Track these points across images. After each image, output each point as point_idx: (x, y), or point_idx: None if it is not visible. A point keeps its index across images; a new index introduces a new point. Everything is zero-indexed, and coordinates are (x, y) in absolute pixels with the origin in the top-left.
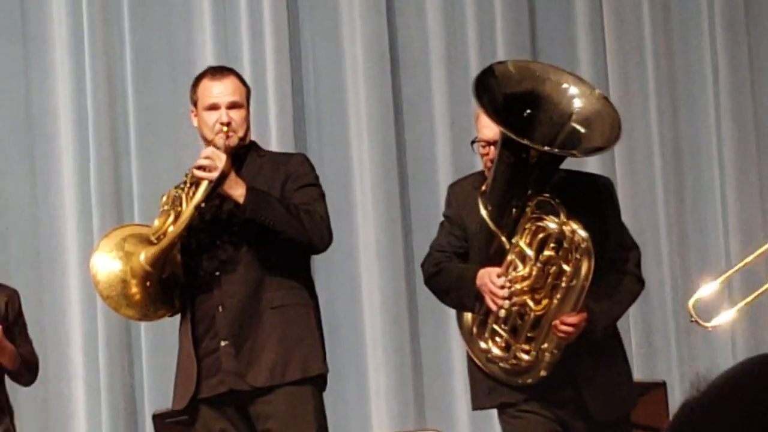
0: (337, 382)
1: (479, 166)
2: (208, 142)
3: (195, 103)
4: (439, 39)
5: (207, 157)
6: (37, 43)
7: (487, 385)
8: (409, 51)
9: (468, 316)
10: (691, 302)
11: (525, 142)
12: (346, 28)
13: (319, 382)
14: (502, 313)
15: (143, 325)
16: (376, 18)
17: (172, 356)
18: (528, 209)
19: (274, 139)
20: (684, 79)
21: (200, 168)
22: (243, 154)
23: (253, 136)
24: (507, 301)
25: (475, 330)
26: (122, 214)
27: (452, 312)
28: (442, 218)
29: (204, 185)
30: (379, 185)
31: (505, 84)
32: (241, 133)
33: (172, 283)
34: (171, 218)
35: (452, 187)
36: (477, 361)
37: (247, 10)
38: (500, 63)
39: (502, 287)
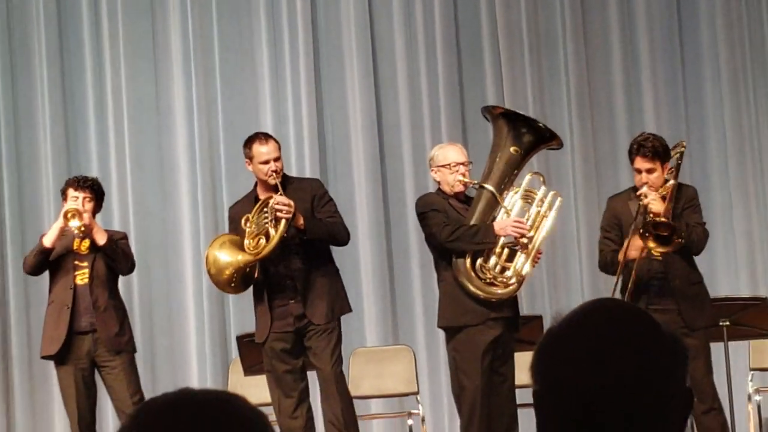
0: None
1: (429, 187)
2: (262, 181)
3: (251, 158)
4: (407, 108)
5: (285, 203)
6: (165, 114)
7: (460, 310)
8: (388, 115)
9: (465, 261)
10: None
11: (541, 125)
12: (351, 105)
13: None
14: (525, 240)
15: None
16: (368, 95)
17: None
18: (521, 181)
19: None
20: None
21: (281, 210)
22: (283, 183)
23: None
24: (529, 232)
25: (471, 267)
26: (217, 223)
27: (413, 276)
28: (426, 211)
29: (284, 222)
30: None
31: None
32: (281, 175)
33: (251, 277)
34: (263, 240)
35: (426, 197)
36: (473, 289)
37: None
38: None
39: (525, 224)
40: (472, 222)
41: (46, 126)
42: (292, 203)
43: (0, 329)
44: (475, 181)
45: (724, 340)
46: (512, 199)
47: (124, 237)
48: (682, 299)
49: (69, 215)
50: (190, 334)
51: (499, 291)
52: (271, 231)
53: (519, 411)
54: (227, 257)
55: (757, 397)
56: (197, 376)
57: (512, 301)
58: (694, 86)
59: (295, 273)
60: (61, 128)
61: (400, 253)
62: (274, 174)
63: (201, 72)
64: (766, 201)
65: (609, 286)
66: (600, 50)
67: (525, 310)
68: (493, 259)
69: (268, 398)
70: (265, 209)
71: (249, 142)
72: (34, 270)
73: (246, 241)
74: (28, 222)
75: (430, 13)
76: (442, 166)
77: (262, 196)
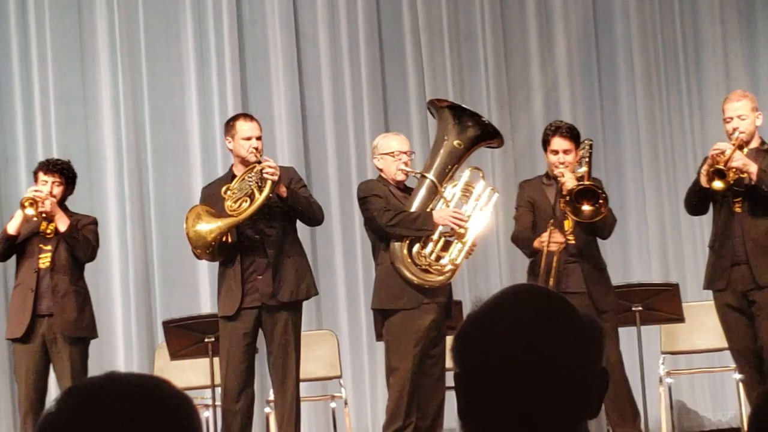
0: None
1: (352, 175)
2: (241, 158)
3: (233, 135)
4: (330, 99)
5: (273, 167)
6: (92, 105)
7: (395, 294)
8: (312, 106)
9: (403, 247)
10: None
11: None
12: (275, 98)
13: (299, 304)
14: (463, 231)
15: (157, 264)
16: (292, 87)
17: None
18: (462, 174)
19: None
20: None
21: (269, 172)
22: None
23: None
24: (468, 224)
25: (408, 254)
26: (143, 211)
27: (336, 262)
28: (366, 196)
29: (270, 183)
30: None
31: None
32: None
33: (229, 243)
34: (247, 203)
35: (367, 183)
36: (409, 274)
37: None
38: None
39: (464, 216)
40: (412, 209)
41: None
42: (277, 167)
43: None
44: (417, 171)
45: (637, 325)
46: (452, 191)
47: (93, 222)
48: (591, 283)
49: (26, 203)
50: (116, 319)
51: (433, 278)
52: (256, 193)
53: (447, 393)
54: (207, 225)
55: (668, 380)
56: (123, 361)
57: (447, 287)
58: (609, 80)
59: (267, 251)
60: None
61: (324, 240)
62: (254, 151)
63: (127, 63)
64: (677, 191)
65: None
66: (518, 45)
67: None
68: (429, 247)
69: (193, 383)
70: (250, 174)
71: (232, 120)
72: (0, 257)
73: (227, 203)
74: None
75: (353, 7)
76: (386, 153)
77: (236, 171)
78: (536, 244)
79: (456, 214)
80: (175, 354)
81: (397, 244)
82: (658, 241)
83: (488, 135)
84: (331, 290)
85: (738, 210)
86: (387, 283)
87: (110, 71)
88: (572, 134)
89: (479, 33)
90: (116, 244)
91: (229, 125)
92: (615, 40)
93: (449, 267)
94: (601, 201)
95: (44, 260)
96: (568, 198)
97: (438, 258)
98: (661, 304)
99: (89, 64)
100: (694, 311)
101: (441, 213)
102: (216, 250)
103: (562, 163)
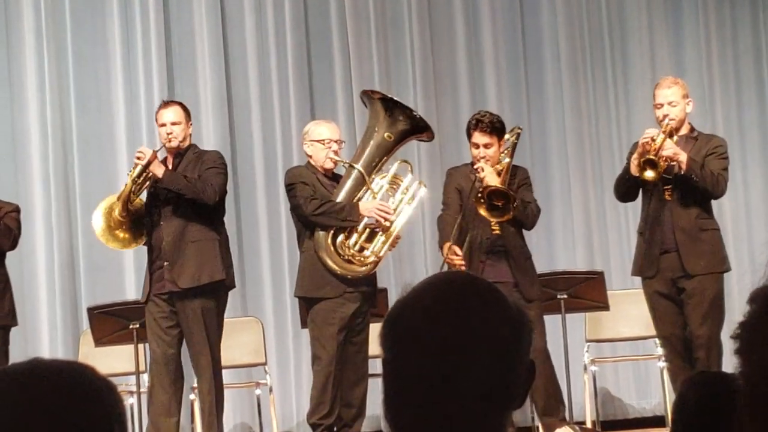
0: None
1: (278, 162)
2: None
3: (156, 122)
4: (256, 86)
5: (140, 151)
6: (17, 88)
7: (318, 283)
8: (238, 92)
9: (327, 237)
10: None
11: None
12: (201, 83)
13: (220, 284)
14: (388, 224)
15: (82, 250)
16: (218, 72)
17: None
18: (390, 167)
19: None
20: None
21: (136, 156)
22: (184, 151)
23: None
24: (393, 217)
25: (332, 243)
26: (68, 195)
27: (262, 249)
28: (293, 184)
29: (138, 167)
30: None
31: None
32: (180, 139)
33: (137, 228)
34: (124, 187)
35: (294, 170)
36: (332, 264)
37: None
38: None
39: (391, 210)
40: (338, 199)
41: None
42: (150, 152)
43: None
44: (346, 161)
45: (562, 313)
46: (379, 183)
47: (15, 210)
48: (517, 272)
49: None
50: (41, 305)
51: (356, 269)
52: (128, 177)
53: (370, 380)
54: (103, 219)
55: (593, 368)
56: (48, 347)
57: (371, 276)
58: (535, 69)
59: (166, 235)
60: None
61: (249, 226)
62: (168, 137)
63: (53, 47)
64: (602, 180)
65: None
66: (444, 33)
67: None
68: (354, 238)
69: (118, 369)
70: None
71: (158, 107)
72: None
73: (114, 200)
74: None
75: None
76: (316, 140)
77: (168, 160)
78: (444, 251)
79: (381, 206)
80: (100, 341)
81: (321, 233)
82: (583, 229)
83: (418, 129)
84: (256, 277)
85: (668, 198)
86: (310, 272)
87: (36, 55)
88: (493, 128)
89: (406, 20)
90: (41, 229)
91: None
92: (541, 28)
93: (372, 258)
94: (511, 204)
95: None
96: (479, 196)
97: (362, 249)
98: (585, 291)
99: (15, 47)
100: (618, 299)
101: (367, 205)
102: (129, 231)
103: (483, 157)
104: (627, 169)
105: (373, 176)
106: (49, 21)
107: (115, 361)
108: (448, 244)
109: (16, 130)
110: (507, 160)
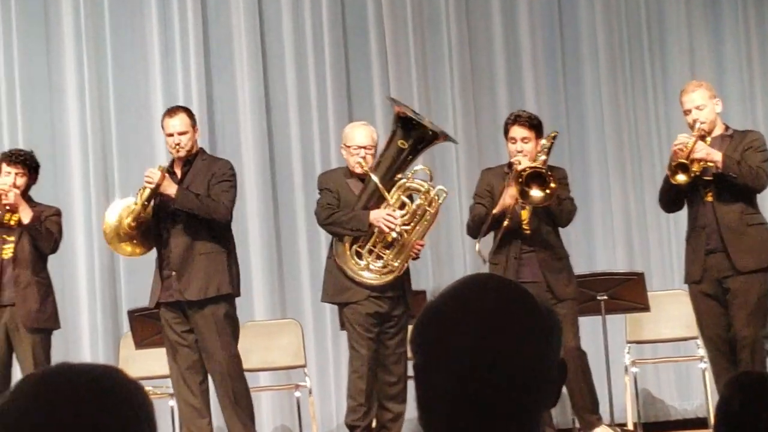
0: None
1: (316, 164)
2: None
3: (162, 130)
4: (294, 87)
5: (148, 175)
6: (57, 91)
7: (341, 288)
8: (276, 94)
9: (344, 245)
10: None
11: (425, 121)
12: (239, 85)
13: (229, 297)
14: (393, 235)
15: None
16: (256, 75)
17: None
18: (409, 174)
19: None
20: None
21: (146, 180)
22: (192, 158)
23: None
24: (398, 228)
25: (350, 252)
26: (108, 199)
27: (301, 252)
28: (319, 190)
29: (147, 191)
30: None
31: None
32: (187, 148)
33: (147, 237)
34: (135, 205)
35: (324, 175)
36: (349, 271)
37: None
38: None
39: (396, 219)
40: (358, 207)
41: None
42: (158, 174)
43: None
44: (366, 168)
45: (602, 314)
46: (397, 191)
47: (56, 214)
48: (548, 272)
49: None
50: (82, 308)
51: (372, 277)
52: (138, 198)
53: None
54: (116, 222)
55: (634, 369)
56: (89, 350)
57: (396, 282)
58: (573, 67)
59: (174, 246)
60: None
61: (288, 229)
62: (176, 147)
63: (92, 50)
64: (642, 179)
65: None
66: (482, 31)
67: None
68: (368, 246)
69: (158, 371)
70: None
71: (163, 115)
72: None
73: (131, 207)
74: None
75: None
76: (347, 146)
77: (176, 166)
78: (496, 210)
79: (388, 216)
80: (141, 343)
81: (339, 241)
82: (623, 230)
83: (430, 138)
84: (295, 279)
85: (710, 199)
86: (333, 277)
87: (75, 58)
88: (531, 123)
89: (443, 19)
90: (81, 232)
91: (161, 120)
92: (579, 25)
93: (388, 268)
94: (549, 188)
95: (7, 251)
96: (518, 178)
97: (378, 257)
98: (626, 293)
99: (54, 51)
100: (659, 300)
101: (376, 214)
102: (140, 241)
103: (520, 152)
104: (667, 178)
105: (400, 179)
106: (89, 24)
107: (155, 363)
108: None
109: (56, 133)
110: (543, 158)
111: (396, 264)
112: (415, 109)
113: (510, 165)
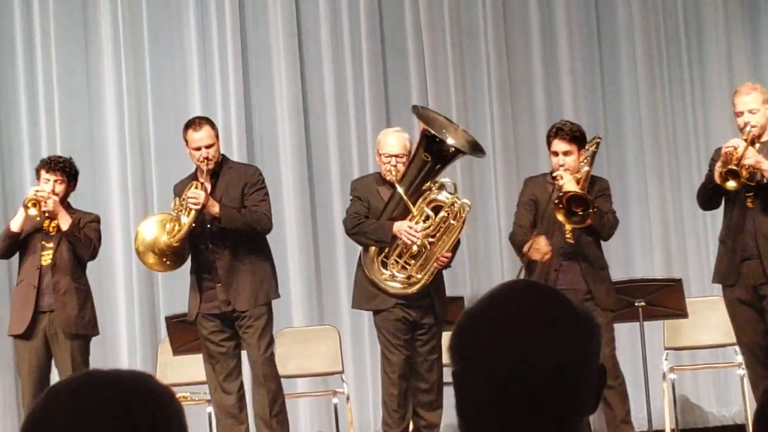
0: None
1: (354, 173)
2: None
3: (186, 143)
4: (332, 96)
5: (192, 196)
6: (96, 99)
7: (369, 296)
8: (314, 103)
9: (371, 254)
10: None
11: (445, 137)
12: (277, 94)
13: (270, 305)
14: (415, 248)
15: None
16: (294, 83)
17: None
18: (433, 186)
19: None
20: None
21: (191, 202)
22: (219, 167)
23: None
24: (419, 240)
25: (377, 261)
26: (146, 206)
27: (339, 259)
28: (351, 197)
29: (193, 212)
30: (296, 183)
31: (423, 117)
32: (216, 160)
33: (180, 257)
34: (177, 227)
35: (357, 182)
36: (375, 280)
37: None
38: (420, 107)
39: (417, 231)
40: (384, 217)
41: None
42: (202, 195)
43: None
44: (394, 178)
45: (640, 320)
46: (421, 203)
47: (95, 220)
48: (591, 280)
49: (29, 204)
50: (120, 314)
51: (397, 287)
52: (183, 217)
53: (445, 389)
54: (152, 238)
55: (672, 376)
56: (127, 356)
57: (424, 290)
58: (611, 75)
59: (219, 259)
60: None
61: (325, 235)
62: (205, 161)
63: (131, 58)
64: (680, 185)
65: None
66: (520, 40)
67: (447, 291)
68: (395, 257)
69: (196, 377)
70: (184, 196)
71: (185, 127)
72: (3, 254)
73: (167, 226)
74: None
75: (355, 2)
76: (379, 153)
77: (201, 177)
78: (525, 249)
79: (409, 228)
80: (178, 349)
81: (366, 251)
82: (660, 236)
83: (451, 155)
84: (332, 286)
85: (750, 205)
86: (361, 284)
87: (114, 66)
88: (573, 136)
89: (481, 28)
90: (119, 239)
91: (183, 132)
92: (617, 32)
93: (412, 280)
94: (590, 210)
95: (46, 257)
96: (558, 203)
97: (403, 268)
98: (664, 299)
99: (93, 58)
100: (697, 307)
101: (398, 225)
102: (172, 261)
103: (562, 165)
104: (709, 177)
105: (426, 191)
106: (127, 32)
107: (192, 369)
108: (532, 239)
109: (94, 141)
110: (586, 168)
111: (419, 276)
112: (452, 116)
113: (553, 176)
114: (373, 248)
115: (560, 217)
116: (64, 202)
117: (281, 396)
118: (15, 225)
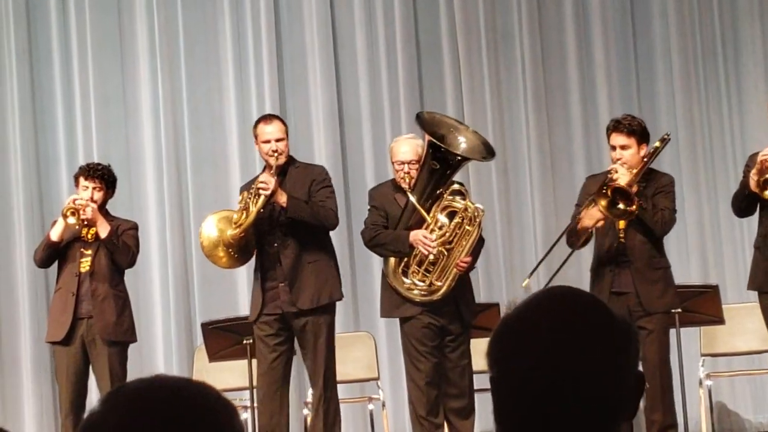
0: None
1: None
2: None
3: (256, 137)
4: (367, 103)
5: (263, 181)
6: (132, 108)
7: (395, 304)
8: (349, 109)
9: (392, 263)
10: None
11: (448, 146)
12: (312, 101)
13: (333, 307)
14: (431, 257)
15: (196, 266)
16: (329, 89)
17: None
18: (445, 193)
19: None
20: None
21: (261, 186)
22: (286, 166)
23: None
24: (434, 249)
25: (398, 270)
26: (182, 214)
27: (372, 265)
28: (368, 207)
29: (262, 197)
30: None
31: (429, 123)
32: (285, 155)
33: (247, 250)
34: (244, 215)
35: (373, 190)
36: (398, 290)
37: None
38: (426, 112)
39: (432, 240)
40: (399, 227)
41: (15, 120)
42: (273, 181)
43: None
44: (407, 186)
45: (677, 327)
46: (435, 210)
47: (133, 228)
48: (640, 282)
49: (67, 213)
50: (156, 321)
51: (419, 295)
52: (251, 206)
53: (477, 396)
54: (217, 234)
55: (708, 382)
56: (163, 363)
57: (449, 296)
58: (647, 81)
59: (284, 257)
60: (30, 122)
61: (360, 242)
62: (274, 154)
63: (166, 67)
64: (716, 192)
65: (564, 274)
66: (555, 46)
67: (482, 297)
68: (415, 265)
69: (232, 384)
70: (252, 186)
71: (256, 123)
72: (44, 263)
73: (234, 216)
74: None
75: (390, 10)
76: (392, 161)
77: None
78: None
79: (423, 237)
80: (214, 356)
81: (386, 260)
82: (697, 242)
83: (457, 162)
84: (368, 292)
85: None
86: (387, 293)
87: (150, 74)
88: (631, 129)
89: (516, 32)
90: (156, 246)
91: (253, 128)
92: (653, 38)
93: (433, 288)
94: (633, 206)
95: (85, 264)
96: (604, 190)
97: (424, 276)
98: (700, 305)
99: (129, 67)
100: (734, 313)
101: (414, 234)
102: (239, 254)
103: (619, 159)
104: (745, 183)
105: (443, 197)
106: (163, 41)
107: (229, 376)
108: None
109: (130, 149)
110: (645, 159)
111: (440, 283)
112: (487, 121)
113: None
114: (393, 258)
115: (602, 204)
116: (102, 209)
117: (335, 402)
118: (55, 235)
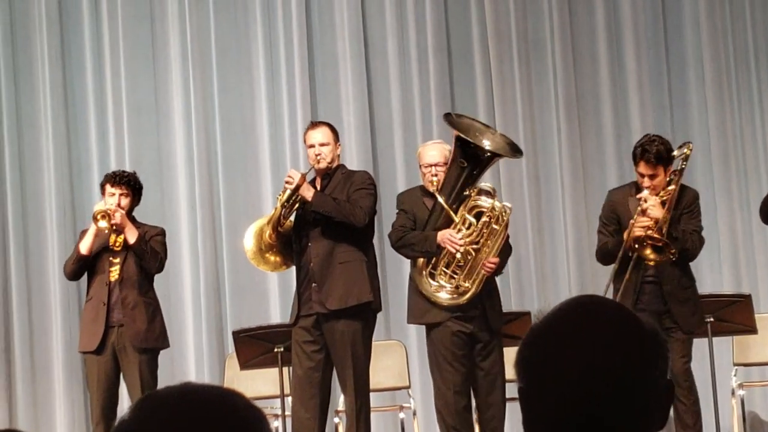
0: None
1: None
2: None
3: (305, 142)
4: (398, 110)
5: (289, 175)
6: (164, 115)
7: (423, 309)
8: (380, 117)
9: (419, 265)
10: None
11: (479, 141)
12: (344, 107)
13: (368, 306)
14: (459, 255)
15: (227, 273)
16: (361, 96)
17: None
18: (472, 193)
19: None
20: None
21: (286, 181)
22: (332, 172)
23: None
24: (462, 248)
25: (425, 273)
26: (214, 221)
27: (404, 271)
28: (397, 211)
29: (288, 191)
30: None
31: (457, 123)
32: (328, 160)
33: (288, 251)
34: (273, 211)
35: (402, 195)
36: (425, 292)
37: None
38: (455, 114)
39: (459, 239)
40: (428, 228)
41: (48, 127)
42: (298, 175)
43: (2, 322)
44: (435, 188)
45: (709, 336)
46: (462, 210)
47: (161, 233)
48: (673, 302)
49: (99, 216)
50: (187, 328)
51: (447, 298)
52: (277, 202)
53: (508, 405)
54: (257, 241)
55: (741, 392)
56: (194, 371)
57: (475, 300)
58: (679, 90)
59: (315, 258)
60: (63, 129)
61: (392, 250)
62: (317, 158)
63: (198, 74)
64: (749, 201)
65: (596, 282)
66: (587, 54)
67: (513, 306)
68: (442, 267)
69: (263, 392)
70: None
71: (306, 128)
72: (74, 276)
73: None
74: (30, 221)
75: (421, 17)
76: (420, 165)
77: (316, 180)
78: (625, 236)
79: (450, 237)
80: (245, 364)
81: (414, 264)
82: (729, 251)
83: (487, 158)
84: (400, 300)
85: None
86: (415, 299)
87: (182, 82)
88: (659, 159)
89: (548, 41)
90: (187, 253)
91: (303, 133)
92: (685, 47)
93: (461, 289)
94: (672, 251)
95: (114, 273)
96: (635, 244)
97: (451, 278)
98: (733, 315)
99: (161, 74)
100: (766, 322)
101: (442, 235)
102: (283, 252)
103: (648, 187)
104: None
105: (471, 197)
106: (195, 48)
107: (260, 384)
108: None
109: (162, 155)
110: (672, 187)
111: (467, 284)
112: (518, 129)
113: (636, 187)
114: (420, 260)
115: (647, 254)
116: (129, 215)
117: (367, 408)
118: (84, 248)
